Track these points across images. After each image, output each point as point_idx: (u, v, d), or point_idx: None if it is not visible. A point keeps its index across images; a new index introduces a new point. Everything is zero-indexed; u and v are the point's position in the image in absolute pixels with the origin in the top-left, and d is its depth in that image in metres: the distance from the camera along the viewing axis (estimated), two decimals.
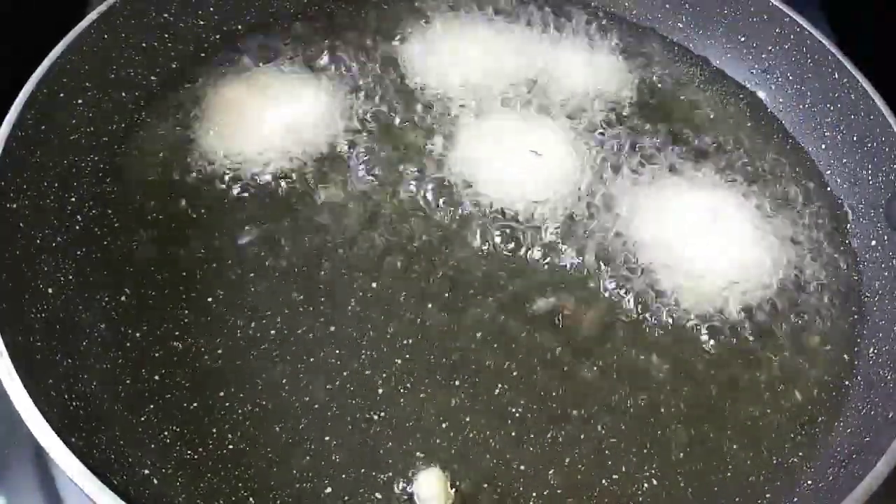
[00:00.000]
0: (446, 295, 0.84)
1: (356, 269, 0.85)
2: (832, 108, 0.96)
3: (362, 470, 0.73)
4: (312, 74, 0.99)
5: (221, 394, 0.76)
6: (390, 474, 0.73)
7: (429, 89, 1.00)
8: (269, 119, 0.94)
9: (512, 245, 0.87)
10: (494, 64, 1.02)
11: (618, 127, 0.99)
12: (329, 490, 0.72)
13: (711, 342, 0.83)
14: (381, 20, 1.07)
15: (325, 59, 1.01)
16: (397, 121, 0.96)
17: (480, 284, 0.85)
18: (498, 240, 0.88)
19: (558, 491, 0.73)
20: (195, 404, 0.75)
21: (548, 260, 0.87)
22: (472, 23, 1.07)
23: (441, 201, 0.90)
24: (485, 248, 0.87)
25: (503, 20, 1.07)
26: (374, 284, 0.84)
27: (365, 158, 0.92)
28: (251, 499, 0.71)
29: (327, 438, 0.75)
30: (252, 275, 0.84)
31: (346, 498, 0.72)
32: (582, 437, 0.76)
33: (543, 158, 0.94)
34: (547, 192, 0.91)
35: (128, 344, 0.78)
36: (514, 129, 0.96)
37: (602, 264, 0.87)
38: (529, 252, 0.87)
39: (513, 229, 0.88)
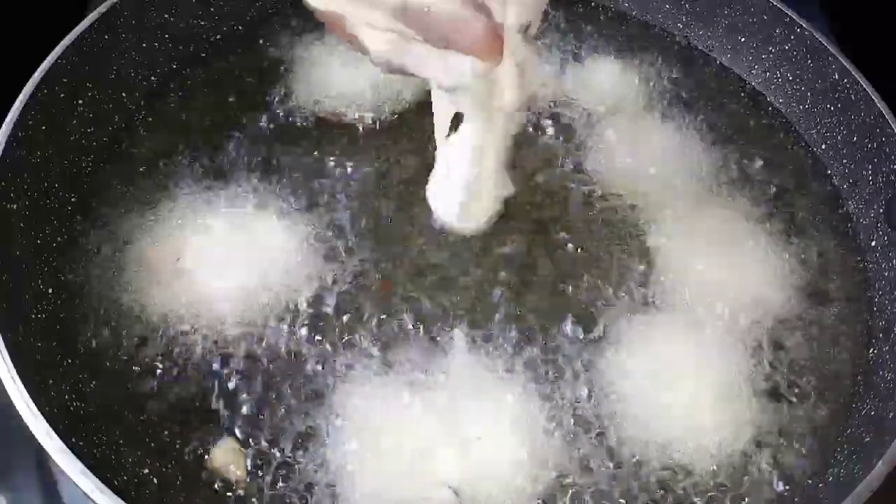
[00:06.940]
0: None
1: (363, 273, 0.85)
2: (832, 108, 0.96)
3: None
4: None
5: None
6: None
7: None
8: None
9: None
10: None
11: None
12: (326, 489, 0.72)
13: None
14: None
15: None
16: None
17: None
18: None
19: None
20: (195, 404, 0.75)
21: None
22: None
23: None
24: None
25: None
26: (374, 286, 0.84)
27: None
28: (252, 499, 0.71)
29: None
30: None
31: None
32: None
33: None
34: None
35: (127, 344, 0.78)
36: None
37: None
38: None
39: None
